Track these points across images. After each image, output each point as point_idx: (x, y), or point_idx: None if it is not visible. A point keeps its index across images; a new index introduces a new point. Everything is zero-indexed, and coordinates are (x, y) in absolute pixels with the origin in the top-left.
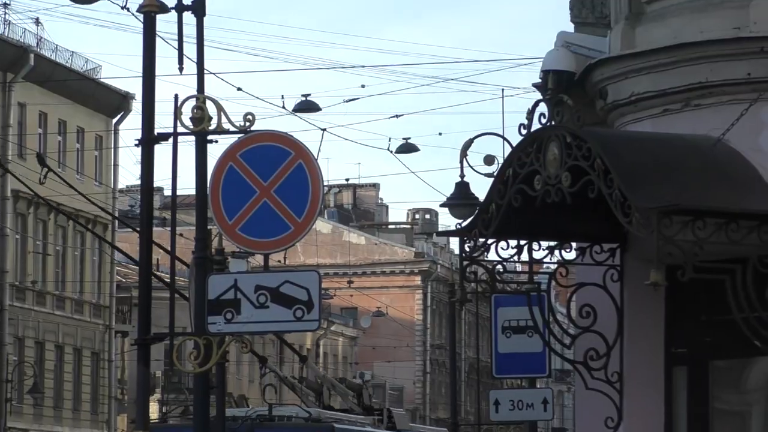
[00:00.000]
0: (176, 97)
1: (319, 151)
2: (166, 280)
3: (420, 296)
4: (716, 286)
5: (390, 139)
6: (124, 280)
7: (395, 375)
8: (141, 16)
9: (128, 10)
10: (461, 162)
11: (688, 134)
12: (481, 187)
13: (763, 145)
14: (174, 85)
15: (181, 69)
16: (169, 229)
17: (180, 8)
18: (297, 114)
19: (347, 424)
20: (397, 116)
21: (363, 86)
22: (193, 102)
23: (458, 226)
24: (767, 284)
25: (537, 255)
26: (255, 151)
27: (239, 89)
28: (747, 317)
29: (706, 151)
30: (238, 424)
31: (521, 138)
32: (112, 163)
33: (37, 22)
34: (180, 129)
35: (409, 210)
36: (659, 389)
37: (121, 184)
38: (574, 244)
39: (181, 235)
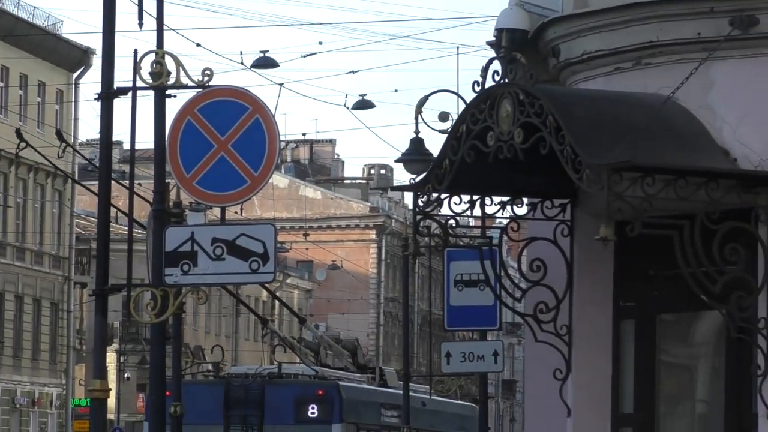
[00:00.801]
0: (135, 52)
1: (276, 106)
2: (123, 232)
3: (374, 250)
4: (664, 242)
5: (347, 95)
6: (83, 232)
7: (349, 327)
8: None
9: None
10: (416, 118)
11: (638, 92)
12: (435, 143)
13: (712, 103)
14: (133, 40)
15: (140, 24)
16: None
17: None
18: (255, 70)
19: (348, 382)
20: (353, 72)
21: (320, 43)
22: (152, 57)
23: (412, 182)
24: (714, 240)
25: (489, 210)
26: (213, 105)
27: (198, 45)
28: (694, 272)
29: (656, 109)
30: (251, 381)
31: (475, 95)
32: (73, 117)
33: None
34: (139, 84)
35: (365, 165)
36: (607, 342)
37: (82, 137)
38: (525, 200)
39: (140, 184)
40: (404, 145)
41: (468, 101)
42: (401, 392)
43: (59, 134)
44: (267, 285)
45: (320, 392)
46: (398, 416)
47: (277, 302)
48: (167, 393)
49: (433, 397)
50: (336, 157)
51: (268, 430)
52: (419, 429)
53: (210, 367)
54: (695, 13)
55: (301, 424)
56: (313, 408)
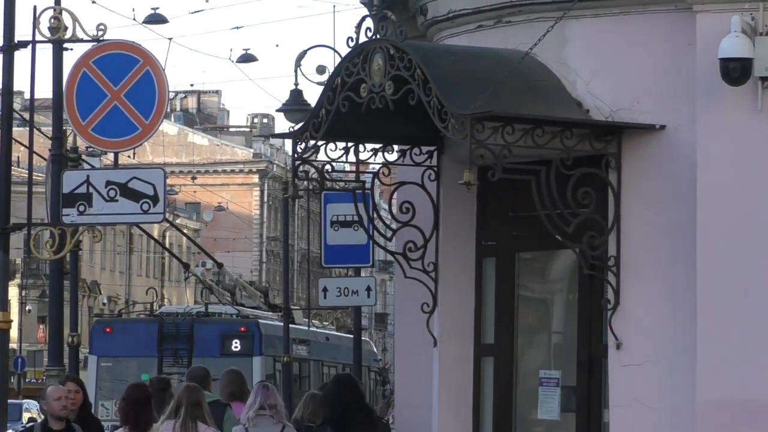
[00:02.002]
0: (35, 8)
1: (166, 59)
2: (24, 175)
3: (257, 193)
4: (522, 186)
5: (231, 49)
6: None
7: (234, 264)
8: None
9: None
10: (296, 71)
11: (499, 48)
12: (313, 95)
13: (567, 58)
14: None
15: None
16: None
17: None
18: (146, 25)
19: (265, 320)
20: (238, 28)
21: (207, 0)
22: (50, 13)
23: (292, 130)
24: (568, 184)
25: (363, 156)
26: (106, 58)
27: (93, 2)
28: (549, 214)
29: (515, 64)
30: (181, 319)
31: (349, 50)
32: None
33: None
34: (38, 37)
35: (249, 114)
36: (470, 278)
37: None
38: (396, 147)
39: (39, 130)
40: (285, 96)
41: (343, 56)
42: (311, 329)
43: None
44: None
45: (242, 329)
46: (307, 349)
47: (167, 240)
48: (107, 329)
49: (333, 332)
50: (222, 106)
51: (197, 362)
52: (323, 360)
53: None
54: None
55: (225, 356)
56: (236, 343)
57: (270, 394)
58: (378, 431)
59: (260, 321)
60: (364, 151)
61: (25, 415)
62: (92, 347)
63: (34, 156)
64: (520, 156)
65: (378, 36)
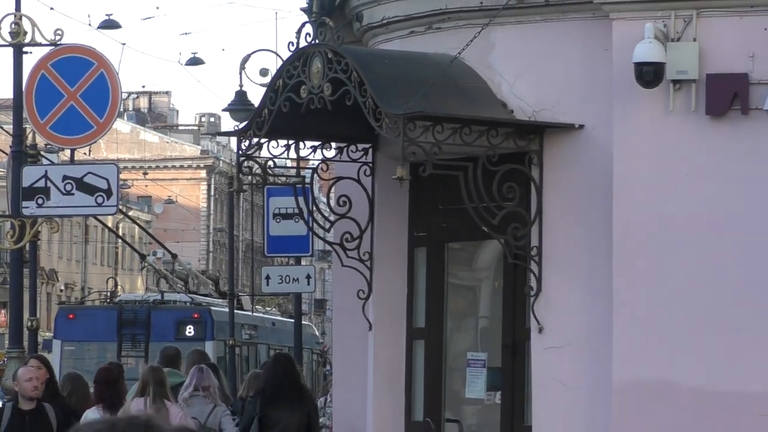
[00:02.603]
0: None
1: (119, 62)
2: None
3: (205, 187)
4: (451, 181)
5: (180, 53)
6: None
7: (183, 254)
8: None
9: None
10: (240, 74)
11: (430, 53)
12: (256, 96)
13: (492, 62)
14: None
15: None
16: None
17: None
18: (100, 30)
19: (216, 306)
20: (186, 34)
21: (157, 8)
22: (11, 18)
23: (237, 128)
24: (494, 179)
25: (303, 153)
26: (63, 61)
27: (51, 8)
28: (476, 207)
29: (444, 67)
30: (139, 306)
31: (290, 54)
32: None
33: None
34: (0, 41)
35: (197, 114)
36: (403, 266)
37: None
38: (334, 144)
39: (0, 126)
40: (231, 97)
41: (284, 59)
42: (256, 314)
43: None
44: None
45: (196, 315)
46: (254, 334)
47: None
48: (70, 315)
49: (279, 318)
50: (171, 106)
51: (153, 347)
52: (270, 344)
53: (98, 295)
54: None
55: (180, 341)
56: (190, 328)
57: (204, 376)
58: (305, 406)
59: (212, 308)
60: (304, 148)
61: None
62: (56, 332)
63: None
64: (449, 153)
65: (317, 41)
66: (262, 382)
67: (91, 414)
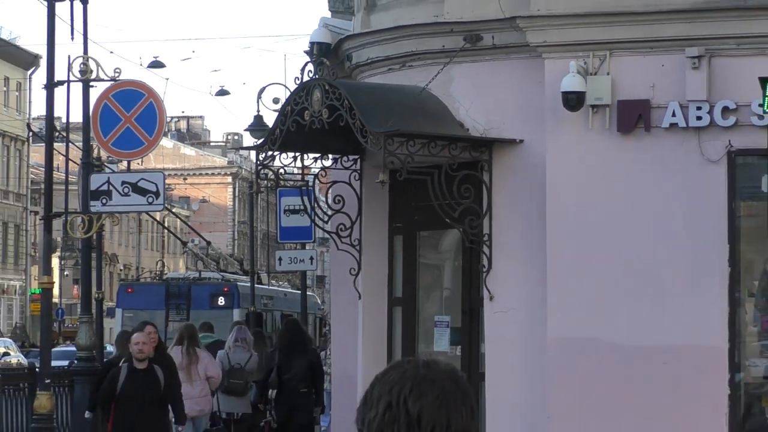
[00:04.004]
0: (69, 56)
1: (164, 93)
2: (62, 176)
3: (231, 189)
4: (421, 183)
5: (211, 86)
6: (36, 177)
7: (215, 241)
8: (46, 4)
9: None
10: (258, 102)
11: (404, 85)
12: (270, 119)
13: (452, 92)
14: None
15: (72, 38)
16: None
17: None
18: (150, 69)
19: (241, 282)
20: (216, 71)
21: (193, 51)
22: (80, 60)
23: (255, 144)
24: (454, 182)
25: (307, 162)
26: (121, 93)
27: (111, 52)
28: (441, 203)
29: (415, 96)
30: (182, 282)
31: (296, 86)
32: (28, 100)
33: None
34: (71, 78)
35: (224, 133)
36: (384, 250)
37: (34, 114)
38: (330, 156)
39: (73, 144)
40: (250, 120)
41: (291, 90)
42: (272, 287)
43: (29, 126)
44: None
45: (225, 289)
46: (270, 303)
47: (166, 223)
48: (129, 290)
49: (289, 290)
50: (204, 127)
51: (193, 314)
52: (282, 310)
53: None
54: (441, 32)
55: (213, 309)
56: (221, 299)
57: (243, 330)
58: (309, 356)
59: (238, 283)
60: (307, 158)
61: (0, 349)
62: (118, 302)
63: (70, 163)
64: (419, 162)
65: (317, 76)
66: (279, 341)
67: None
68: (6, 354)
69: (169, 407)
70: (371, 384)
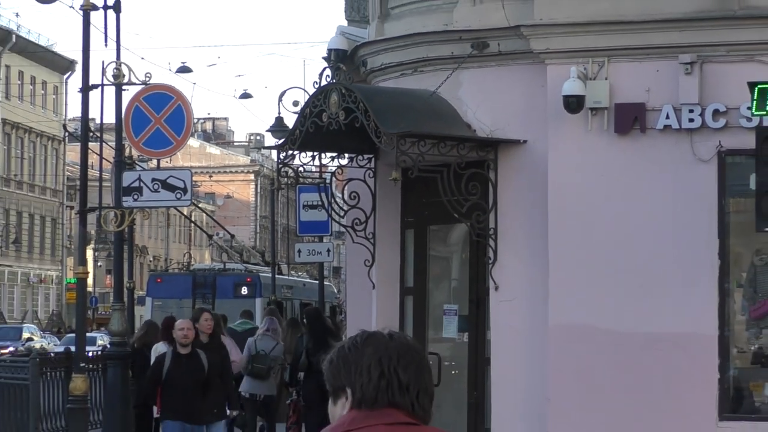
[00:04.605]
0: (103, 62)
1: (191, 96)
2: (96, 174)
3: (253, 186)
4: (431, 180)
5: (235, 90)
6: (71, 174)
7: (238, 234)
8: (81, 12)
9: (73, 8)
10: (279, 105)
11: (416, 89)
12: (291, 120)
13: (460, 96)
14: (101, 53)
15: (106, 45)
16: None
17: (105, 7)
18: (178, 74)
19: (263, 272)
20: (239, 76)
21: (219, 57)
22: (113, 65)
23: (277, 144)
24: (462, 180)
25: (324, 161)
26: (151, 96)
27: (142, 58)
28: (450, 199)
29: (426, 100)
30: (208, 273)
31: (315, 90)
32: (65, 102)
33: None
34: (105, 82)
35: (247, 133)
36: (397, 243)
37: (70, 115)
38: (346, 155)
39: (106, 143)
40: (272, 121)
41: (310, 94)
42: (291, 278)
43: (65, 127)
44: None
45: (248, 279)
46: (290, 292)
47: (192, 217)
48: (158, 280)
49: (308, 280)
50: (229, 128)
51: (218, 303)
52: (301, 299)
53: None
54: (450, 40)
55: (237, 298)
56: (244, 289)
57: (273, 321)
58: (332, 340)
59: (260, 274)
60: (325, 157)
61: (25, 335)
62: (148, 291)
63: (103, 161)
64: (429, 161)
65: (334, 81)
66: (306, 329)
67: (160, 346)
68: (30, 339)
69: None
70: (353, 350)
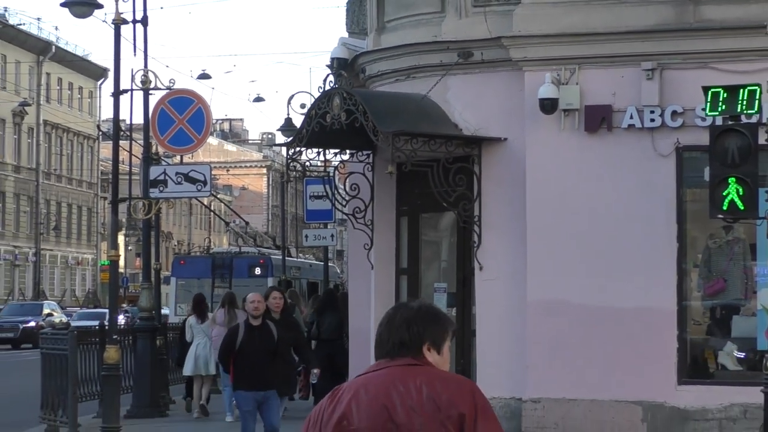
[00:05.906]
0: (132, 69)
1: (210, 100)
2: (126, 168)
3: (266, 179)
4: (423, 174)
5: (249, 94)
6: (104, 168)
7: (252, 221)
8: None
9: (106, 22)
10: (288, 107)
11: (409, 93)
12: (298, 121)
13: (448, 99)
14: (130, 61)
15: (135, 54)
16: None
17: (134, 21)
18: (199, 80)
19: (274, 255)
20: (253, 81)
21: (234, 65)
22: (141, 72)
23: (286, 141)
24: (450, 173)
25: (328, 156)
26: (175, 99)
27: (167, 66)
28: (439, 190)
29: (418, 102)
30: (225, 255)
31: (319, 94)
32: (98, 105)
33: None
34: (134, 87)
35: (260, 132)
36: (392, 229)
37: (103, 117)
38: (348, 151)
39: (135, 141)
40: (281, 122)
41: (316, 98)
42: (300, 260)
43: (98, 127)
44: (220, 200)
45: (261, 261)
46: (299, 272)
47: (212, 207)
48: (182, 262)
49: (314, 261)
50: (244, 128)
51: (235, 281)
52: (308, 278)
53: (200, 249)
54: (439, 50)
55: (251, 278)
56: (258, 269)
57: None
58: (338, 313)
59: (272, 256)
60: (328, 153)
61: (45, 311)
62: (172, 272)
63: (132, 157)
64: (421, 156)
65: (336, 86)
66: (317, 303)
67: (191, 319)
68: (50, 315)
69: (295, 358)
70: (389, 316)
